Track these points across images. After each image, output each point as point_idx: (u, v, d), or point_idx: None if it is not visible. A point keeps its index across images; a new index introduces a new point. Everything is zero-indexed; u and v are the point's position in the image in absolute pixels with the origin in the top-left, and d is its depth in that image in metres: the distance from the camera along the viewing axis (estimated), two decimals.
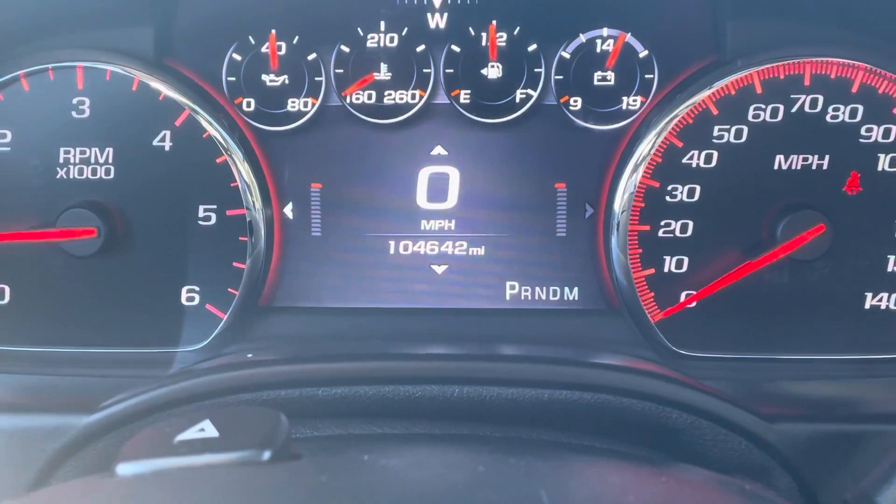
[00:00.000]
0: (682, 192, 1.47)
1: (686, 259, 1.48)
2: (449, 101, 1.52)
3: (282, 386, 1.19)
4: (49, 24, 1.49)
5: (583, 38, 1.50)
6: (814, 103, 1.44)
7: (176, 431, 0.86)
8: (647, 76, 1.50)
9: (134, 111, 1.49)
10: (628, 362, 1.38)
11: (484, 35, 1.50)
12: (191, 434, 0.86)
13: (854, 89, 1.43)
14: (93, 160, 1.49)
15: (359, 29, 1.50)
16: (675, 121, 1.45)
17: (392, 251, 1.56)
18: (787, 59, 1.43)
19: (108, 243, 1.47)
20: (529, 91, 1.50)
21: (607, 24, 1.49)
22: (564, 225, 1.54)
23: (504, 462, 0.90)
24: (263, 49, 1.51)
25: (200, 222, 1.51)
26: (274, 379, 1.21)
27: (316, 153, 1.54)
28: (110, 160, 1.50)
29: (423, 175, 1.54)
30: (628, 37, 1.49)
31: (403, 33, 1.51)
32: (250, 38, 1.51)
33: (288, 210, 1.55)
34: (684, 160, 1.46)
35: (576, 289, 1.56)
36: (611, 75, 1.50)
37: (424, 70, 1.51)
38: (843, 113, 1.44)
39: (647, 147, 1.46)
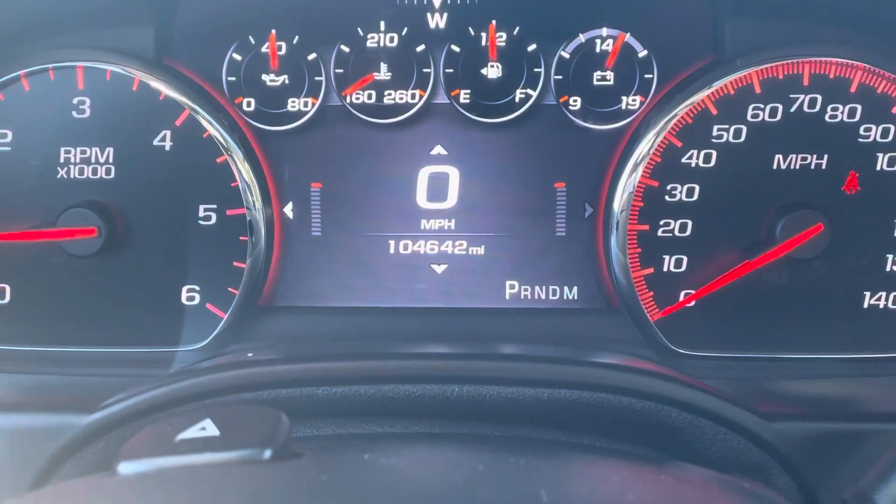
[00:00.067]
0: (681, 192, 1.47)
1: (685, 258, 1.49)
2: (449, 101, 1.52)
3: (282, 385, 1.20)
4: (50, 24, 1.49)
5: (582, 37, 1.50)
6: (812, 103, 1.44)
7: (177, 430, 0.86)
8: (646, 76, 1.50)
9: (134, 111, 1.49)
10: (627, 361, 1.39)
11: (484, 35, 1.50)
12: (192, 433, 0.86)
13: (853, 89, 1.43)
14: (93, 160, 1.50)
15: (359, 29, 1.51)
16: (674, 120, 1.45)
17: (392, 251, 1.56)
18: (785, 59, 1.43)
19: (108, 243, 1.47)
20: (529, 91, 1.51)
21: (607, 23, 1.49)
22: (564, 224, 1.54)
23: (504, 461, 0.91)
24: (263, 49, 1.51)
25: (201, 222, 1.51)
26: (274, 378, 1.21)
27: (316, 153, 1.54)
28: (111, 160, 1.50)
29: (423, 175, 1.54)
30: (628, 37, 1.49)
31: (403, 33, 1.51)
32: (250, 37, 1.52)
33: (288, 210, 1.56)
34: (683, 160, 1.46)
35: (575, 288, 1.56)
36: (610, 75, 1.50)
37: (424, 70, 1.51)
38: (842, 112, 1.44)
39: (646, 147, 1.46)
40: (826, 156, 1.45)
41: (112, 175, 1.50)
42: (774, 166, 1.46)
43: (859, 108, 1.44)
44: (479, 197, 1.55)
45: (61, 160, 1.49)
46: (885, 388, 1.41)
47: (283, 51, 1.51)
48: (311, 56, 1.51)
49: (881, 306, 1.47)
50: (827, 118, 1.44)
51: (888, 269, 1.46)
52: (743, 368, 1.46)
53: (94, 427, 1.21)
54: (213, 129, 1.48)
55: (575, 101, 1.51)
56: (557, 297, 1.56)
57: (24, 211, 1.49)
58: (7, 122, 1.49)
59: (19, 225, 1.49)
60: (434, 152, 1.54)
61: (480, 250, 1.56)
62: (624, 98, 1.50)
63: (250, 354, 1.39)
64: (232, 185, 1.50)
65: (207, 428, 0.86)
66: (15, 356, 1.50)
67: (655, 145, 1.46)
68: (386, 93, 1.51)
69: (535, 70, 1.50)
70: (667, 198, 1.47)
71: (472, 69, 1.51)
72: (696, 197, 1.47)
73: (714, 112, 1.45)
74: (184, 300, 1.52)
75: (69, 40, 1.50)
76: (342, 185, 1.55)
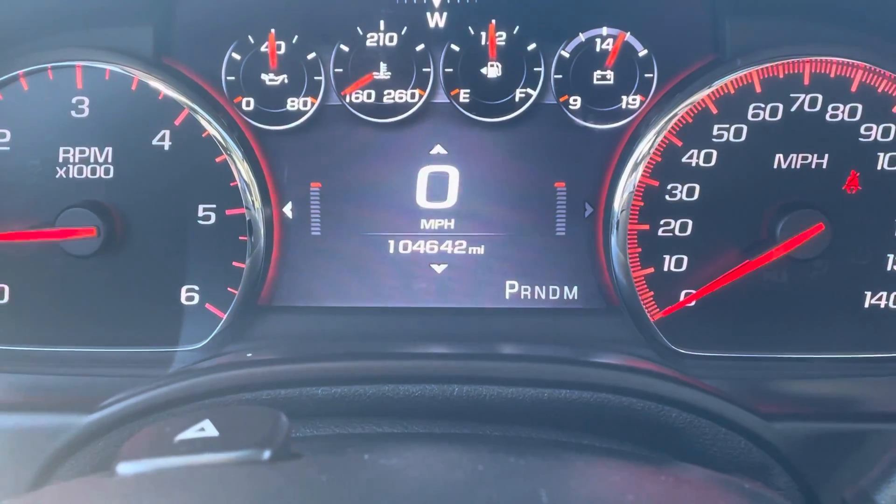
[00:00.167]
0: (681, 192, 1.47)
1: (685, 258, 1.49)
2: (448, 101, 1.52)
3: (281, 385, 1.19)
4: (48, 24, 1.49)
5: (582, 37, 1.50)
6: (813, 102, 1.44)
7: (176, 431, 0.86)
8: (646, 75, 1.50)
9: (133, 111, 1.49)
10: (628, 361, 1.38)
11: (483, 34, 1.50)
12: (191, 433, 0.86)
13: (853, 88, 1.43)
14: (92, 160, 1.49)
15: (358, 28, 1.50)
16: (674, 120, 1.45)
17: (392, 250, 1.56)
18: (786, 58, 1.43)
19: (107, 243, 1.47)
20: (529, 90, 1.50)
21: (607, 23, 1.49)
22: (564, 224, 1.54)
23: (504, 461, 0.90)
24: (263, 48, 1.51)
25: (200, 222, 1.51)
26: (273, 378, 1.21)
27: (315, 152, 1.54)
28: (110, 160, 1.50)
29: (423, 174, 1.54)
30: (628, 36, 1.49)
31: (403, 32, 1.51)
32: (249, 37, 1.51)
33: (287, 209, 1.55)
34: (684, 159, 1.46)
35: (575, 288, 1.56)
36: (610, 74, 1.50)
37: (424, 69, 1.51)
38: (843, 112, 1.44)
39: (646, 146, 1.46)
40: (827, 155, 1.45)
41: (111, 175, 1.50)
42: (775, 166, 1.45)
43: (860, 107, 1.43)
44: (479, 196, 1.55)
45: (60, 160, 1.49)
46: (885, 388, 1.41)
47: (283, 50, 1.51)
48: (311, 55, 1.51)
49: (882, 306, 1.47)
50: (827, 117, 1.44)
51: (889, 268, 1.46)
52: (743, 368, 1.46)
53: (94, 427, 1.21)
54: (213, 128, 1.48)
55: (575, 100, 1.51)
56: (557, 296, 1.56)
57: (23, 211, 1.49)
58: (6, 121, 1.49)
59: (18, 225, 1.49)
60: (434, 152, 1.54)
61: (480, 250, 1.56)
62: (624, 97, 1.50)
63: (249, 354, 1.39)
64: (231, 184, 1.50)
65: (206, 428, 0.86)
66: (14, 356, 1.50)
67: (656, 145, 1.46)
68: (385, 92, 1.51)
69: (535, 69, 1.50)
70: (667, 197, 1.47)
71: (471, 68, 1.51)
72: (696, 196, 1.47)
73: (714, 111, 1.45)
74: (183, 300, 1.52)
75: (68, 40, 1.50)
76: (342, 185, 1.55)
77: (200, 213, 1.50)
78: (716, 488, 0.92)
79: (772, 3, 1.47)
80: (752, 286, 1.47)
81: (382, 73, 1.51)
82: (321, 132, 1.54)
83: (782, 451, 1.22)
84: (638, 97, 1.50)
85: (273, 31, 1.51)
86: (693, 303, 1.49)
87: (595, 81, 1.50)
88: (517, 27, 1.50)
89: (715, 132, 1.45)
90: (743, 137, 1.45)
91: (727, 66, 1.45)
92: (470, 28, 1.50)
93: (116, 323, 1.52)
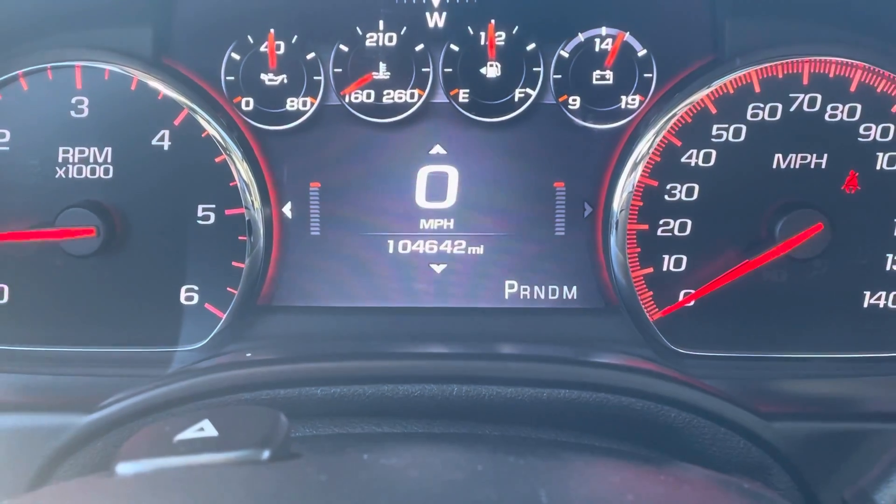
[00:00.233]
0: (680, 191, 1.47)
1: (685, 258, 1.49)
2: (448, 101, 1.52)
3: (281, 385, 1.19)
4: (48, 24, 1.48)
5: (581, 37, 1.50)
6: (812, 102, 1.44)
7: (175, 431, 0.86)
8: (645, 75, 1.50)
9: (133, 110, 1.49)
10: (627, 361, 1.39)
11: (483, 34, 1.50)
12: (190, 433, 0.86)
13: (852, 88, 1.43)
14: (91, 160, 1.49)
15: (357, 28, 1.50)
16: (673, 120, 1.45)
17: (391, 250, 1.56)
18: (785, 58, 1.43)
19: (106, 243, 1.47)
20: (528, 90, 1.50)
21: (606, 22, 1.49)
22: (563, 224, 1.54)
23: (503, 461, 0.90)
24: (262, 48, 1.51)
25: (199, 221, 1.51)
26: (273, 378, 1.21)
27: (315, 152, 1.54)
28: (109, 160, 1.50)
29: (422, 174, 1.54)
30: (627, 36, 1.49)
31: (402, 32, 1.51)
32: (249, 37, 1.51)
33: (287, 209, 1.55)
34: (683, 159, 1.46)
35: (574, 288, 1.56)
36: (609, 74, 1.50)
37: (423, 69, 1.51)
38: (842, 112, 1.44)
39: (645, 146, 1.46)
40: (826, 155, 1.45)
41: (110, 175, 1.50)
42: (774, 166, 1.45)
43: (859, 107, 1.43)
44: (479, 196, 1.55)
45: (60, 160, 1.49)
46: (884, 388, 1.41)
47: (282, 50, 1.51)
48: (310, 55, 1.51)
49: (881, 306, 1.47)
50: (827, 117, 1.44)
51: (888, 268, 1.46)
52: (743, 368, 1.46)
53: (93, 427, 1.21)
54: (212, 128, 1.48)
55: (574, 100, 1.51)
56: (557, 296, 1.56)
57: (22, 211, 1.49)
58: (5, 121, 1.49)
59: (18, 225, 1.49)
60: (433, 152, 1.54)
61: (479, 250, 1.56)
62: (623, 97, 1.50)
63: (249, 354, 1.39)
64: (230, 184, 1.49)
65: (206, 428, 0.86)
66: (13, 356, 1.50)
67: (655, 145, 1.46)
68: (385, 92, 1.51)
69: (535, 69, 1.50)
70: (666, 197, 1.47)
71: (471, 68, 1.51)
72: (695, 196, 1.47)
73: (713, 111, 1.45)
74: (182, 300, 1.52)
75: (67, 40, 1.50)
76: (341, 185, 1.54)
77: (200, 213, 1.50)
78: (715, 488, 0.92)
79: (771, 3, 1.47)
80: (752, 286, 1.47)
81: (382, 72, 1.51)
82: (320, 132, 1.54)
83: (782, 450, 1.22)
84: (637, 97, 1.50)
85: (272, 31, 1.50)
86: (692, 302, 1.49)
87: (594, 81, 1.50)
88: (516, 27, 1.50)
89: (714, 132, 1.45)
90: (742, 137, 1.45)
91: (726, 65, 1.45)
92: (469, 28, 1.50)
93: (116, 323, 1.52)
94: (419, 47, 1.51)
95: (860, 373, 1.44)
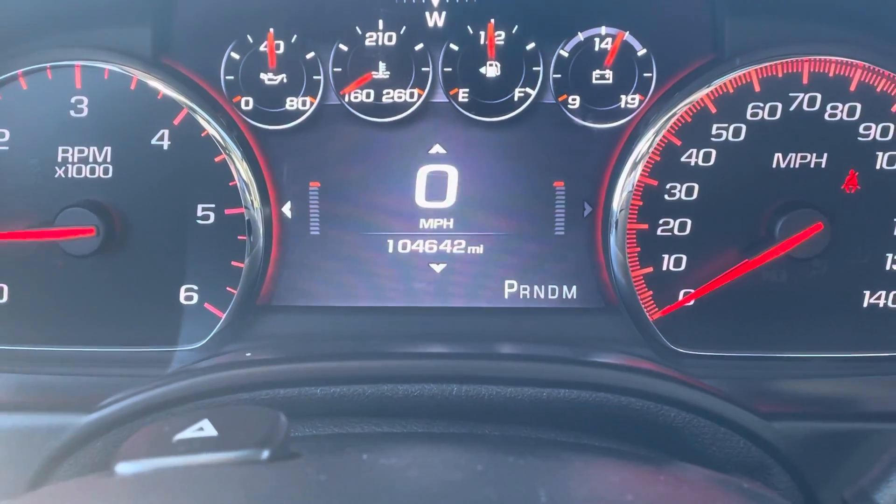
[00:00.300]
0: (680, 191, 1.47)
1: (684, 257, 1.48)
2: (447, 100, 1.52)
3: (280, 385, 1.19)
4: (47, 24, 1.48)
5: (581, 36, 1.50)
6: (812, 101, 1.44)
7: (175, 430, 0.86)
8: (645, 74, 1.50)
9: (132, 110, 1.49)
10: (627, 361, 1.38)
11: (482, 33, 1.50)
12: (189, 433, 0.85)
13: (852, 87, 1.43)
14: (91, 159, 1.49)
15: (357, 27, 1.50)
16: (673, 119, 1.45)
17: (391, 250, 1.56)
18: (785, 58, 1.43)
19: (106, 242, 1.47)
20: (528, 89, 1.50)
21: (605, 22, 1.49)
22: (563, 223, 1.54)
23: (503, 461, 0.90)
24: (262, 48, 1.51)
25: (199, 221, 1.50)
26: (272, 378, 1.21)
27: (314, 152, 1.54)
28: (109, 159, 1.50)
29: (422, 174, 1.54)
30: (626, 35, 1.49)
31: (402, 32, 1.50)
32: (248, 36, 1.51)
33: (286, 209, 1.55)
34: (683, 159, 1.46)
35: (574, 287, 1.56)
36: (609, 74, 1.50)
37: (423, 69, 1.51)
38: (842, 111, 1.44)
39: (645, 145, 1.46)
40: (826, 154, 1.45)
41: (110, 174, 1.50)
42: (774, 165, 1.45)
43: (859, 106, 1.43)
44: (478, 196, 1.54)
45: (59, 159, 1.49)
46: (885, 388, 1.41)
47: (282, 50, 1.51)
48: (310, 55, 1.51)
49: (881, 305, 1.47)
50: (826, 117, 1.44)
51: (888, 268, 1.46)
52: (742, 368, 1.46)
53: (92, 427, 1.20)
54: (212, 128, 1.48)
55: (574, 99, 1.50)
56: (556, 296, 1.56)
57: (21, 210, 1.49)
58: (5, 121, 1.49)
59: (17, 224, 1.49)
60: (433, 151, 1.54)
61: (479, 249, 1.55)
62: (623, 97, 1.50)
63: (248, 354, 1.39)
64: (230, 184, 1.49)
65: (205, 428, 0.86)
66: (12, 356, 1.50)
67: (655, 144, 1.45)
68: (384, 92, 1.51)
69: (534, 69, 1.50)
70: (666, 197, 1.47)
71: (470, 68, 1.51)
72: (695, 196, 1.47)
73: (713, 111, 1.45)
74: (182, 300, 1.52)
75: (67, 39, 1.50)
76: (341, 184, 1.54)
77: (199, 213, 1.50)
78: (715, 488, 0.92)
79: (771, 2, 1.47)
80: (751, 286, 1.47)
81: (381, 72, 1.51)
82: (320, 132, 1.54)
83: (781, 450, 1.22)
84: (637, 96, 1.50)
85: (272, 30, 1.50)
86: (692, 302, 1.49)
87: (594, 81, 1.50)
88: (516, 26, 1.50)
89: (714, 131, 1.45)
90: (742, 137, 1.45)
91: (726, 65, 1.45)
92: (469, 27, 1.50)
93: (115, 322, 1.52)
94: (419, 47, 1.51)
95: (860, 373, 1.44)
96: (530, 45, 1.50)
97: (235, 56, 1.52)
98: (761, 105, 1.44)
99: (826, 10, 1.45)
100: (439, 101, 1.53)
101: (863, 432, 1.28)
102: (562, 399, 1.18)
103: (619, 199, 1.47)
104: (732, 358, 1.48)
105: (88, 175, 1.50)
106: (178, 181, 1.50)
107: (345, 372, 1.21)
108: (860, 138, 1.44)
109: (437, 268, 1.56)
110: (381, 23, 1.50)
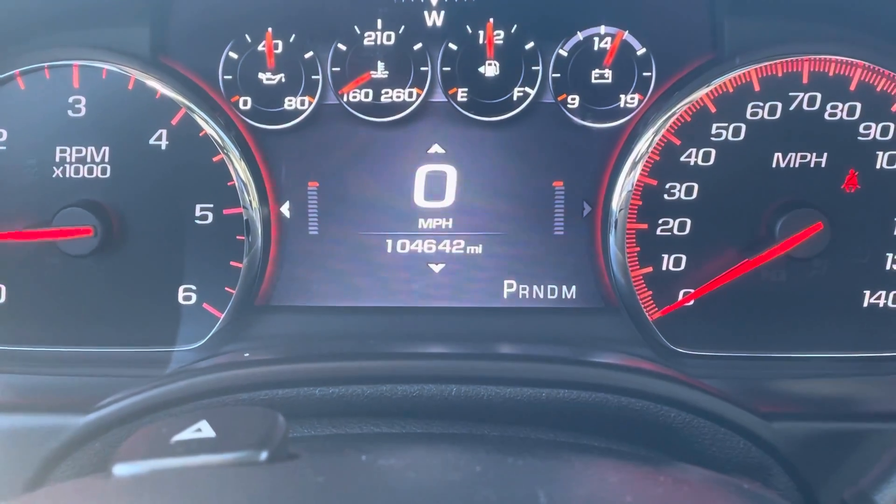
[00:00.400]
0: (680, 191, 1.47)
1: (684, 257, 1.48)
2: (446, 100, 1.51)
3: (279, 385, 1.19)
4: (45, 23, 1.48)
5: (580, 35, 1.49)
6: (812, 101, 1.44)
7: (173, 432, 0.86)
8: (644, 74, 1.49)
9: (130, 110, 1.48)
10: (626, 361, 1.38)
11: (481, 33, 1.50)
12: (187, 434, 0.85)
13: (852, 87, 1.43)
14: (89, 159, 1.49)
15: (356, 27, 1.50)
16: (672, 119, 1.45)
17: (389, 250, 1.55)
18: (785, 57, 1.43)
19: (104, 242, 1.47)
20: (527, 89, 1.50)
21: (605, 21, 1.49)
22: (562, 223, 1.54)
23: (502, 461, 0.90)
24: (260, 47, 1.51)
25: (197, 221, 1.50)
26: (271, 378, 1.21)
27: (313, 152, 1.54)
28: (106, 159, 1.49)
29: (421, 173, 1.54)
30: (626, 34, 1.49)
31: (400, 31, 1.50)
32: (247, 36, 1.51)
33: (285, 209, 1.55)
34: (682, 158, 1.46)
35: (573, 287, 1.55)
36: (608, 73, 1.50)
37: (422, 68, 1.51)
38: (842, 110, 1.44)
39: (644, 145, 1.46)
40: (825, 154, 1.45)
41: (108, 174, 1.49)
42: (774, 165, 1.45)
43: (859, 106, 1.43)
44: (477, 196, 1.54)
45: (57, 159, 1.49)
46: (885, 388, 1.41)
47: (280, 49, 1.51)
48: (308, 54, 1.51)
49: (881, 305, 1.47)
50: (826, 116, 1.44)
51: (888, 267, 1.46)
52: (742, 368, 1.46)
53: (90, 428, 1.20)
54: (210, 127, 1.48)
55: (573, 99, 1.50)
56: (556, 296, 1.55)
57: (19, 210, 1.49)
58: (2, 121, 1.48)
59: (15, 224, 1.48)
60: (431, 151, 1.54)
61: (478, 249, 1.55)
62: (622, 96, 1.50)
63: (247, 354, 1.39)
64: (228, 184, 1.49)
65: (203, 429, 0.86)
66: (10, 356, 1.49)
67: (654, 144, 1.45)
68: (383, 91, 1.51)
69: (533, 68, 1.50)
70: (665, 196, 1.47)
71: (469, 67, 1.50)
72: (694, 195, 1.47)
73: (713, 110, 1.44)
74: (180, 300, 1.52)
75: (65, 39, 1.50)
76: (339, 184, 1.54)
77: (198, 213, 1.50)
78: (715, 488, 0.92)
79: (770, 1, 1.47)
80: (751, 285, 1.46)
81: (380, 72, 1.51)
82: (319, 131, 1.54)
83: (781, 450, 1.22)
84: (636, 96, 1.50)
85: (270, 29, 1.50)
86: (692, 302, 1.49)
87: (593, 80, 1.50)
88: (515, 26, 1.49)
89: (713, 131, 1.45)
90: (741, 136, 1.45)
91: (726, 64, 1.45)
92: (468, 27, 1.50)
93: (113, 323, 1.51)
94: (417, 46, 1.51)
95: (860, 372, 1.44)
96: (529, 45, 1.49)
97: (234, 56, 1.51)
98: (761, 104, 1.44)
99: (826, 10, 1.45)
100: (438, 101, 1.52)
101: (863, 432, 1.28)
102: (561, 399, 1.18)
103: (618, 199, 1.47)
104: (732, 358, 1.48)
105: (86, 175, 1.49)
106: (176, 181, 1.49)
107: (343, 372, 1.20)
108: (860, 138, 1.44)
109: (436, 268, 1.56)
110: (379, 22, 1.50)
